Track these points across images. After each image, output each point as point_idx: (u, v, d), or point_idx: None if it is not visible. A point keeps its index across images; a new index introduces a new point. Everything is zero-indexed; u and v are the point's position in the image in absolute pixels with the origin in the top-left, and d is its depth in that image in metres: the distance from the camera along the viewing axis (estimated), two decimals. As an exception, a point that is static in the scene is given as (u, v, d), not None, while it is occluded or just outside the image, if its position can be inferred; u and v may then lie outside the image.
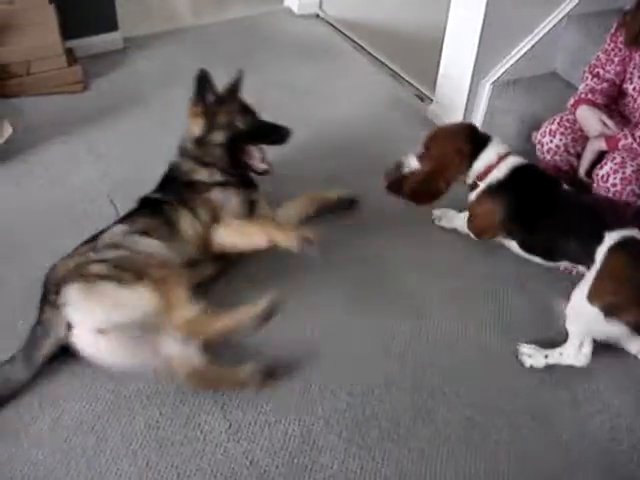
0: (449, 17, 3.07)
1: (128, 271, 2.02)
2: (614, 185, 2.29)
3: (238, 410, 2.02)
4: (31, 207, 2.69)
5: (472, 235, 2.53)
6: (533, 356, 2.19)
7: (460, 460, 1.94)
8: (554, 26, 3.00)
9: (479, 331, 2.33)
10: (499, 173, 2.38)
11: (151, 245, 2.19)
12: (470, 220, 2.51)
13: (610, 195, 2.31)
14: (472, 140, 2.43)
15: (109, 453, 1.89)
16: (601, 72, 2.53)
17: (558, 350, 2.18)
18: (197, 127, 2.49)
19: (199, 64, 3.65)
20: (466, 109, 3.14)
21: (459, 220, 2.60)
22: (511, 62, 3.05)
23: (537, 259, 2.40)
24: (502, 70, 3.06)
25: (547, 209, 2.31)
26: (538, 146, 2.58)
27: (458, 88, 3.13)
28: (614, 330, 2.07)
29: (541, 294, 2.46)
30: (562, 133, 2.49)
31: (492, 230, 2.44)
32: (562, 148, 2.50)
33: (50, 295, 2.05)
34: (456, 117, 3.19)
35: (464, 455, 1.96)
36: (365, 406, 2.06)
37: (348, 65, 3.90)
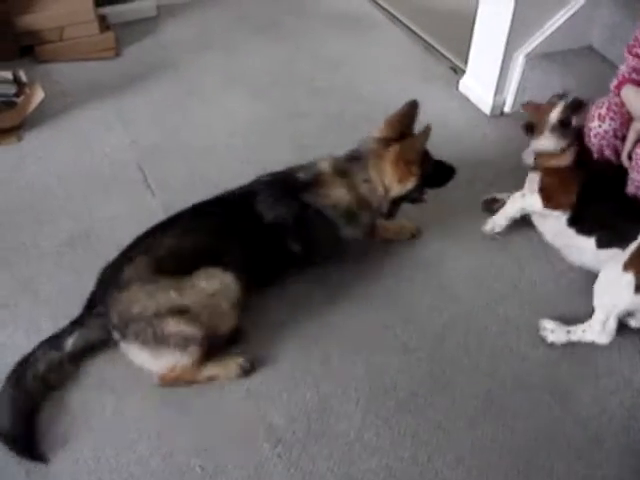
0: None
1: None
2: None
3: (257, 375, 2.04)
4: (60, 172, 2.74)
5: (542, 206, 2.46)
6: (555, 331, 2.18)
7: (477, 432, 1.95)
8: (591, -1, 2.93)
9: (499, 303, 2.32)
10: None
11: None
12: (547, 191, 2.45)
13: None
14: None
15: (128, 412, 1.95)
16: (639, 53, 2.45)
17: (582, 327, 2.16)
18: (410, 184, 2.29)
19: (229, 31, 3.73)
20: (498, 81, 3.08)
21: (527, 200, 2.50)
22: (545, 35, 2.98)
23: (574, 241, 2.38)
24: (536, 43, 2.99)
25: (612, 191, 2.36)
26: (585, 130, 2.52)
27: (491, 60, 3.07)
28: (634, 304, 2.08)
29: (565, 270, 2.43)
30: (612, 118, 2.40)
31: (567, 199, 2.41)
32: (611, 133, 2.41)
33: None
34: (489, 90, 3.14)
35: (481, 427, 1.96)
36: (383, 376, 2.07)
37: (381, 36, 3.85)
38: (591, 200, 2.34)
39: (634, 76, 2.41)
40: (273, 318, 2.21)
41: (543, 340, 2.19)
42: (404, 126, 2.33)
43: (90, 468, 1.81)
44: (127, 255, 2.04)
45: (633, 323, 2.18)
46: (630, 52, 2.46)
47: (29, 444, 1.83)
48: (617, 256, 2.18)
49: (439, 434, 1.94)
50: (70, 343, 1.96)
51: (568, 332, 2.17)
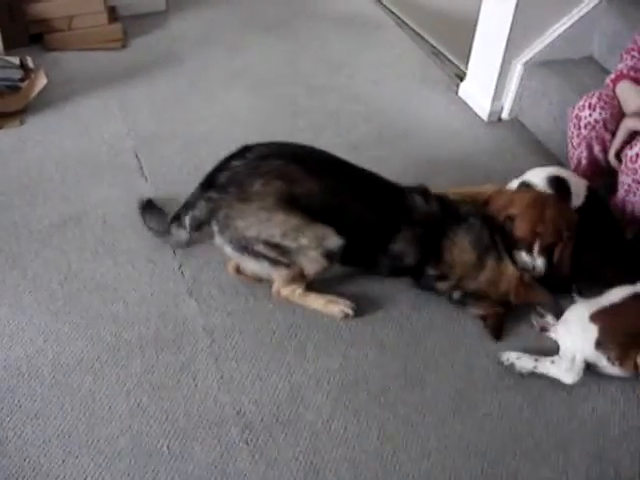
0: (484, -5, 3.04)
1: None
2: None
3: (232, 362, 2.07)
4: (58, 156, 2.80)
5: None
6: (522, 358, 2.12)
7: (445, 429, 1.96)
8: (592, 9, 2.92)
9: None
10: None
11: None
12: None
13: (638, 177, 2.25)
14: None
15: (104, 392, 1.97)
16: (637, 55, 2.46)
17: (549, 359, 2.11)
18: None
19: (236, 29, 3.79)
20: (496, 89, 3.10)
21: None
22: (545, 43, 2.99)
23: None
24: (535, 51, 3.00)
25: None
26: (574, 120, 2.49)
27: (489, 67, 3.09)
28: (593, 358, 2.06)
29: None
30: (602, 107, 2.39)
31: None
32: (601, 123, 2.41)
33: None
34: (487, 96, 3.16)
35: (450, 424, 1.97)
36: (357, 369, 2.09)
37: (386, 39, 3.88)
38: (580, 246, 2.29)
39: (632, 73, 2.42)
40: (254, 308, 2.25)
41: (510, 369, 2.14)
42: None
43: (62, 442, 1.84)
44: (264, 167, 2.08)
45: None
46: (628, 53, 2.47)
47: None
48: (590, 302, 2.16)
49: (406, 429, 1.95)
50: (187, 223, 2.16)
51: (536, 360, 2.11)
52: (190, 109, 3.12)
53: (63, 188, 2.63)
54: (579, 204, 2.37)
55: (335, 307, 2.22)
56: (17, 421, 1.88)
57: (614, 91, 2.44)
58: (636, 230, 2.44)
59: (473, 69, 3.26)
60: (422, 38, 3.93)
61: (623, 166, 2.31)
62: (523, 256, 2.26)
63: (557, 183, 2.37)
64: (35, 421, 1.89)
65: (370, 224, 2.19)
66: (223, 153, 2.51)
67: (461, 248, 2.21)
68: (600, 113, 2.40)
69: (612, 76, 2.48)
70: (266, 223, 2.04)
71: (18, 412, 1.90)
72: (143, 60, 3.42)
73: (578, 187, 2.39)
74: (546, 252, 2.24)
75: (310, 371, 2.07)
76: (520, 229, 2.24)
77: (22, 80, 2.96)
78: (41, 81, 2.95)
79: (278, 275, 2.16)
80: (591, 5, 2.92)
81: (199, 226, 2.17)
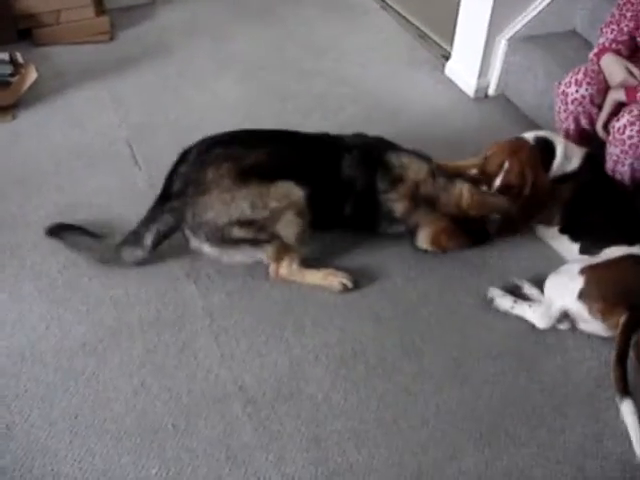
0: (467, -29, 3.07)
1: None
2: (630, 137, 2.26)
3: (232, 340, 2.11)
4: (51, 148, 2.83)
5: None
6: (503, 296, 2.23)
7: (443, 395, 2.00)
8: (572, -18, 2.97)
9: (473, 275, 2.38)
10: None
11: None
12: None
13: (625, 148, 2.29)
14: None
15: (107, 374, 2.01)
16: (616, 28, 2.49)
17: (528, 303, 2.21)
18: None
19: (224, 18, 3.81)
20: (482, 65, 3.14)
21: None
22: (527, 18, 3.03)
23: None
24: (518, 26, 3.04)
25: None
26: (561, 97, 2.52)
27: (474, 44, 3.13)
28: (574, 309, 2.12)
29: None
30: (588, 83, 2.42)
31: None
32: (587, 98, 2.44)
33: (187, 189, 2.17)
34: (472, 74, 3.20)
35: (447, 391, 2.01)
36: (354, 342, 2.13)
37: (372, 23, 3.91)
38: (580, 209, 2.37)
39: (614, 46, 2.45)
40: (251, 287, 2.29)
41: (490, 302, 2.25)
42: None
43: (69, 424, 1.87)
44: (208, 157, 2.17)
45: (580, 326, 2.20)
46: (607, 27, 2.50)
47: None
48: (587, 258, 2.23)
49: (405, 397, 1.99)
50: (149, 240, 2.20)
51: (515, 302, 2.22)
52: (180, 98, 3.15)
53: (57, 179, 2.66)
54: (573, 168, 2.41)
55: (334, 279, 2.27)
56: (23, 405, 1.91)
57: (599, 65, 2.47)
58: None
59: (458, 47, 3.30)
60: (407, 21, 3.96)
61: (611, 137, 2.35)
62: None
63: (543, 144, 2.42)
64: (41, 404, 1.92)
65: (319, 174, 2.27)
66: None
67: (408, 162, 2.35)
68: (587, 89, 2.44)
69: (595, 50, 2.51)
70: (232, 203, 2.11)
71: (24, 397, 1.94)
72: (132, 52, 3.45)
73: (571, 152, 2.42)
74: (505, 193, 2.34)
75: (309, 346, 2.11)
76: (489, 163, 2.38)
77: (12, 75, 2.99)
78: (31, 76, 2.99)
79: (265, 254, 2.21)
80: (573, -21, 2.96)
81: (161, 240, 2.23)
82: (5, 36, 3.29)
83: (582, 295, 2.08)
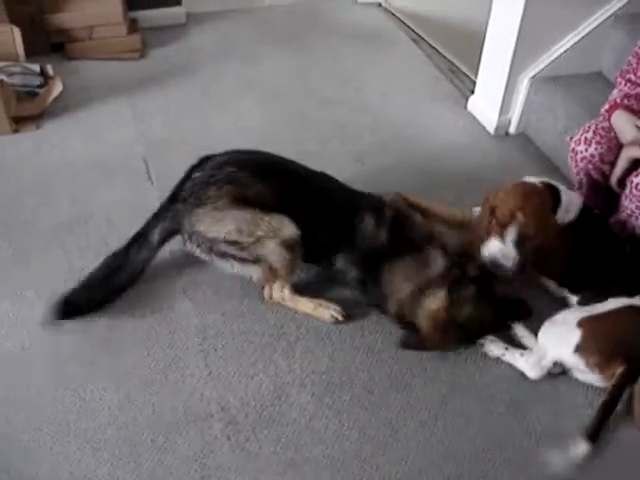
0: (491, 10, 3.07)
1: None
2: None
3: (221, 360, 2.13)
4: (70, 159, 2.92)
5: None
6: (494, 342, 2.18)
7: (426, 433, 1.97)
8: (599, 25, 2.93)
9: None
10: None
11: None
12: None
13: None
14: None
15: (94, 384, 2.04)
16: (633, 77, 2.46)
17: (520, 351, 2.16)
18: None
19: (252, 41, 3.89)
20: (503, 103, 3.13)
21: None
22: (551, 58, 3.01)
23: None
24: (542, 65, 3.02)
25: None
26: (571, 154, 2.50)
27: (496, 81, 3.12)
28: (569, 362, 2.07)
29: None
30: (598, 142, 2.39)
31: None
32: (597, 157, 2.41)
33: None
34: (494, 111, 3.19)
35: (431, 429, 1.98)
36: (343, 371, 2.12)
37: (398, 54, 3.94)
38: (578, 260, 2.29)
39: (626, 102, 2.42)
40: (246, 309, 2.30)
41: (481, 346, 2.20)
42: None
43: (52, 430, 1.91)
44: (217, 175, 2.21)
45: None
46: (623, 77, 2.48)
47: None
48: (584, 308, 2.18)
49: (387, 431, 1.97)
50: (156, 236, 2.25)
51: (506, 349, 2.16)
52: (201, 118, 3.21)
53: (72, 190, 2.73)
54: (571, 218, 2.35)
55: (325, 312, 2.27)
56: (10, 408, 1.95)
57: (609, 121, 2.44)
58: (633, 247, 2.43)
59: (481, 83, 3.30)
60: (439, 53, 3.99)
61: (628, 191, 2.30)
62: (493, 246, 2.19)
63: (550, 189, 2.33)
64: (28, 409, 1.96)
65: (320, 229, 2.25)
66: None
67: (397, 282, 2.20)
68: (596, 148, 2.40)
69: (606, 106, 2.47)
70: (221, 222, 2.15)
71: (12, 400, 1.98)
72: (159, 70, 3.54)
73: (571, 201, 2.36)
74: (522, 245, 2.18)
75: (297, 371, 2.11)
76: (499, 212, 2.20)
77: (40, 86, 3.10)
78: (57, 88, 3.09)
79: (253, 274, 2.23)
80: (599, 21, 2.94)
81: (166, 238, 2.27)
82: (39, 48, 3.41)
83: (579, 349, 2.03)
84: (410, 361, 2.17)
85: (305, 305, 2.28)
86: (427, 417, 2.02)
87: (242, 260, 2.19)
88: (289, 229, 2.17)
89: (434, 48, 4.03)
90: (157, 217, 2.27)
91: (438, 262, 2.20)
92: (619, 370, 1.98)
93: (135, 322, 2.22)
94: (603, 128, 2.41)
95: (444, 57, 3.95)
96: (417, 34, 4.16)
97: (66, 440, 1.89)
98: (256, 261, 2.19)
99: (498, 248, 2.19)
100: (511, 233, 2.17)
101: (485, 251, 2.22)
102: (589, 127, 2.44)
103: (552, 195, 2.30)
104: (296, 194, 2.27)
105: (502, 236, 2.19)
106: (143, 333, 2.19)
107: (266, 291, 2.29)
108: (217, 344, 2.17)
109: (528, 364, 2.12)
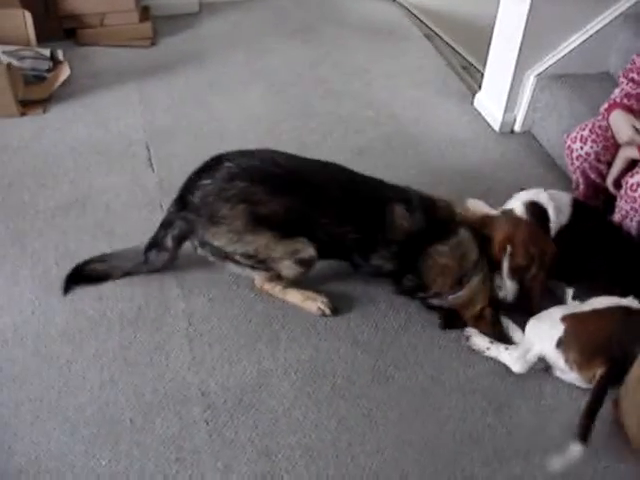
0: (499, 7, 3.05)
1: None
2: None
3: (205, 345, 2.14)
4: (74, 144, 2.95)
5: None
6: (480, 336, 2.18)
7: (404, 426, 1.97)
8: (607, 24, 2.89)
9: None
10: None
11: None
12: None
13: (636, 205, 2.22)
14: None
15: (80, 363, 2.07)
16: (636, 77, 2.42)
17: (505, 345, 2.15)
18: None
19: (263, 32, 3.90)
20: (508, 100, 3.10)
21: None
22: (558, 56, 2.97)
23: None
24: (548, 63, 2.98)
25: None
26: (567, 151, 2.49)
27: (502, 78, 3.09)
28: (551, 356, 2.06)
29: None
30: (594, 140, 2.39)
31: None
32: (592, 156, 2.40)
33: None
34: (499, 108, 3.16)
35: (410, 422, 1.98)
36: (326, 362, 2.12)
37: (409, 49, 3.92)
38: (574, 255, 2.28)
39: (625, 101, 2.39)
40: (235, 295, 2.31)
41: (466, 340, 2.20)
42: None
43: (33, 406, 1.94)
44: (229, 190, 2.10)
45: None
46: (626, 76, 2.45)
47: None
48: (573, 305, 2.18)
49: (366, 423, 1.97)
50: (169, 243, 2.23)
51: (491, 342, 2.16)
52: (206, 106, 3.23)
53: (73, 173, 2.77)
54: (567, 219, 2.33)
55: (313, 304, 2.27)
56: (-6, 383, 1.99)
57: (608, 120, 2.41)
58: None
59: (487, 80, 3.27)
60: (452, 49, 3.96)
61: (623, 192, 2.28)
62: (497, 279, 2.25)
63: (536, 211, 2.32)
64: (12, 384, 2.00)
65: (344, 240, 2.19)
66: (230, 149, 2.61)
67: (441, 268, 2.20)
68: (591, 146, 2.39)
69: (605, 105, 2.44)
70: (238, 242, 2.12)
71: (-2, 375, 2.02)
72: (169, 58, 3.57)
73: (560, 204, 2.33)
74: (516, 276, 2.22)
75: (280, 360, 2.12)
76: (491, 248, 2.25)
77: (49, 71, 3.15)
78: (65, 72, 3.13)
79: (261, 276, 2.26)
80: (607, 21, 2.90)
81: (181, 242, 2.24)
82: (52, 34, 3.46)
83: (560, 343, 2.02)
84: (394, 354, 2.17)
85: (294, 296, 2.28)
86: (407, 410, 2.01)
87: (254, 268, 2.21)
88: (306, 252, 2.16)
89: (447, 44, 4.01)
90: (166, 226, 2.22)
91: (472, 248, 2.22)
92: (600, 372, 1.96)
93: (124, 305, 2.24)
94: (600, 127, 2.39)
95: (458, 53, 3.93)
96: (431, 29, 4.14)
97: (46, 417, 1.92)
98: (268, 269, 2.20)
99: (499, 283, 2.25)
100: (505, 268, 2.22)
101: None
102: (586, 125, 2.42)
103: (539, 215, 2.30)
104: (316, 203, 2.16)
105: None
106: (131, 315, 2.21)
107: (258, 281, 2.29)
108: (203, 329, 2.19)
109: (512, 358, 2.11)
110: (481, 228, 2.29)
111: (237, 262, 2.19)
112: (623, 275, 2.21)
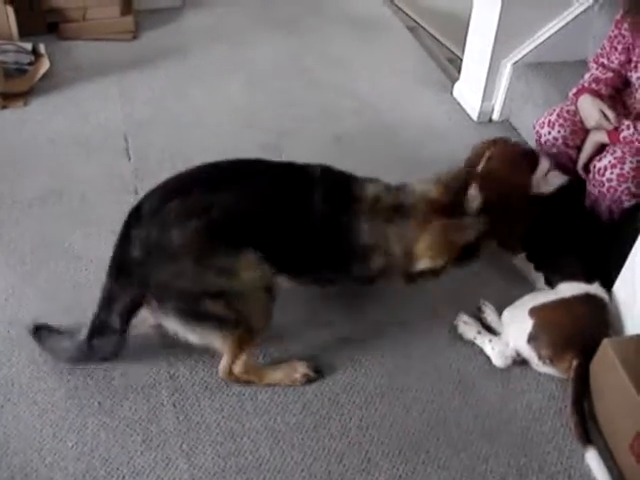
0: (476, -6, 3.07)
1: None
2: (609, 180, 2.21)
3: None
4: (53, 135, 2.99)
5: None
6: (468, 324, 2.19)
7: (370, 409, 1.99)
8: (583, 12, 2.91)
9: (428, 296, 2.34)
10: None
11: None
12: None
13: (604, 190, 2.24)
14: None
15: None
16: (605, 62, 2.45)
17: (489, 337, 2.15)
18: (440, 263, 2.06)
19: (246, 25, 3.92)
20: (486, 89, 3.11)
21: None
22: (535, 44, 2.99)
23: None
24: (525, 51, 3.00)
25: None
26: (535, 137, 2.51)
27: (479, 66, 3.10)
28: (524, 352, 2.07)
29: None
30: (561, 125, 2.40)
31: None
32: (560, 140, 2.41)
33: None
34: (477, 97, 3.17)
35: (376, 405, 2.00)
36: (298, 347, 2.13)
37: (392, 41, 3.94)
38: (543, 236, 2.30)
39: (594, 86, 2.41)
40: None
41: (455, 329, 2.21)
42: (458, 193, 2.08)
43: (2, 390, 1.96)
44: (167, 214, 1.83)
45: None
46: (596, 62, 2.47)
47: None
48: (542, 293, 2.19)
49: (331, 406, 1.99)
50: (117, 323, 1.91)
51: (478, 332, 2.17)
52: (186, 98, 3.26)
53: (51, 164, 2.80)
54: (549, 190, 2.29)
55: (294, 374, 2.05)
56: (-35, 368, 2.02)
57: (576, 105, 2.42)
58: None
59: (465, 69, 3.29)
60: (436, 40, 3.98)
61: (591, 176, 2.30)
62: (472, 190, 2.09)
63: (530, 152, 2.35)
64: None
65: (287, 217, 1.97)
66: (208, 140, 2.67)
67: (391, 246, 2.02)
68: (559, 131, 2.40)
69: (574, 90, 2.46)
70: (201, 273, 1.82)
71: (-31, 360, 2.04)
72: (150, 52, 3.59)
73: (553, 174, 2.31)
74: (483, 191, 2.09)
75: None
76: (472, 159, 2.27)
77: (30, 64, 3.18)
78: (44, 65, 3.17)
79: (225, 340, 1.93)
80: (581, 8, 2.91)
81: (130, 317, 1.92)
82: (35, 28, 3.49)
83: (531, 339, 2.03)
84: (363, 338, 2.18)
85: (273, 375, 2.05)
86: (373, 394, 2.03)
87: (223, 321, 1.87)
88: (263, 267, 1.89)
89: (433, 37, 4.03)
90: (107, 301, 1.91)
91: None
92: (574, 364, 1.97)
93: (98, 292, 2.18)
94: (568, 112, 2.40)
95: (444, 45, 3.94)
96: (416, 22, 4.16)
97: (16, 401, 1.94)
98: (238, 321, 1.88)
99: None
100: (478, 169, 2.19)
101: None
102: (553, 110, 2.43)
103: (530, 157, 2.30)
104: (261, 195, 1.95)
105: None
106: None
107: (223, 365, 2.01)
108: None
109: (494, 352, 2.11)
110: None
111: (203, 317, 1.86)
112: (590, 261, 2.22)
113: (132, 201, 2.31)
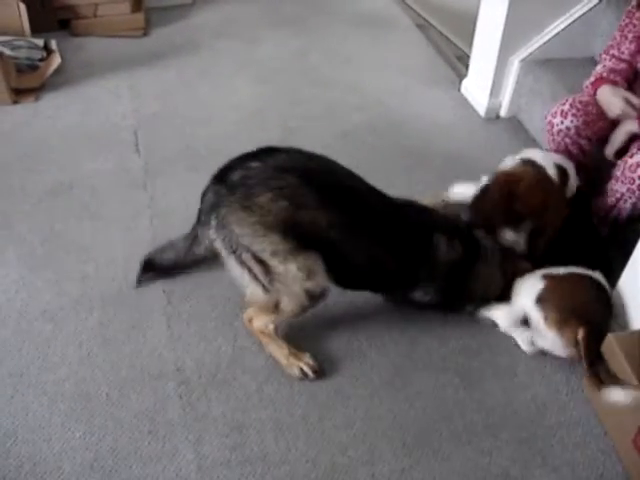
0: (483, -7, 3.08)
1: None
2: None
3: (183, 323, 2.19)
4: (63, 130, 3.03)
5: None
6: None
7: (375, 401, 2.00)
8: (591, 9, 2.91)
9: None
10: None
11: None
12: None
13: (634, 187, 2.21)
14: None
15: (60, 340, 2.12)
16: (616, 53, 2.44)
17: (497, 304, 2.19)
18: None
19: (256, 23, 3.95)
20: (493, 85, 3.12)
21: None
22: (543, 41, 2.99)
23: None
24: (532, 48, 3.00)
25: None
26: (548, 127, 2.51)
27: (487, 63, 3.11)
28: (531, 313, 2.09)
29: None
30: (574, 114, 2.39)
31: None
32: (573, 130, 2.41)
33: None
34: (484, 93, 3.18)
35: (381, 397, 2.01)
36: (301, 340, 2.14)
37: (400, 38, 3.95)
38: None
39: (612, 76, 2.40)
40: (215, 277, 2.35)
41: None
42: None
43: (14, 381, 1.99)
44: (277, 181, 1.88)
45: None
46: (607, 53, 2.47)
47: None
48: (547, 270, 2.19)
49: (337, 398, 2.00)
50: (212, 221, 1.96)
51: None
52: (195, 94, 3.29)
53: (61, 158, 2.84)
54: (569, 196, 2.32)
55: (295, 362, 2.07)
56: (-24, 359, 2.05)
57: (593, 95, 2.42)
58: (607, 230, 2.42)
59: (473, 66, 3.29)
60: (445, 37, 3.99)
61: (619, 173, 2.27)
62: (508, 234, 2.20)
63: (560, 170, 2.30)
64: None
65: (384, 270, 2.08)
66: (216, 136, 2.67)
67: (487, 281, 2.20)
68: (572, 120, 2.39)
69: (591, 79, 2.45)
70: (260, 238, 1.88)
71: (-21, 351, 2.08)
72: (161, 48, 3.63)
73: (573, 179, 2.33)
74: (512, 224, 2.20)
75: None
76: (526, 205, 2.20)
77: (42, 60, 3.22)
78: (55, 61, 3.21)
79: (253, 295, 2.01)
80: (589, 6, 2.91)
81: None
82: (47, 24, 3.54)
83: (540, 300, 2.05)
84: (368, 332, 2.19)
85: (277, 350, 2.09)
86: (378, 386, 2.04)
87: (256, 278, 1.95)
88: (320, 280, 1.96)
89: (442, 34, 4.03)
90: (202, 200, 2.02)
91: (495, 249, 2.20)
92: (581, 333, 1.97)
93: (106, 284, 2.30)
94: (581, 102, 2.39)
95: (452, 43, 3.94)
96: (425, 20, 4.17)
97: (25, 391, 1.97)
98: (269, 290, 1.96)
99: (513, 238, 2.21)
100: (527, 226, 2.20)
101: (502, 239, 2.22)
102: (566, 100, 2.42)
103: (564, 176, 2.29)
104: (360, 227, 1.99)
105: (516, 228, 2.20)
106: (112, 295, 2.26)
107: (247, 314, 2.12)
108: (182, 309, 2.23)
109: (500, 313, 2.17)
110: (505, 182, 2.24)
111: (242, 262, 1.94)
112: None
113: (141, 197, 2.37)
